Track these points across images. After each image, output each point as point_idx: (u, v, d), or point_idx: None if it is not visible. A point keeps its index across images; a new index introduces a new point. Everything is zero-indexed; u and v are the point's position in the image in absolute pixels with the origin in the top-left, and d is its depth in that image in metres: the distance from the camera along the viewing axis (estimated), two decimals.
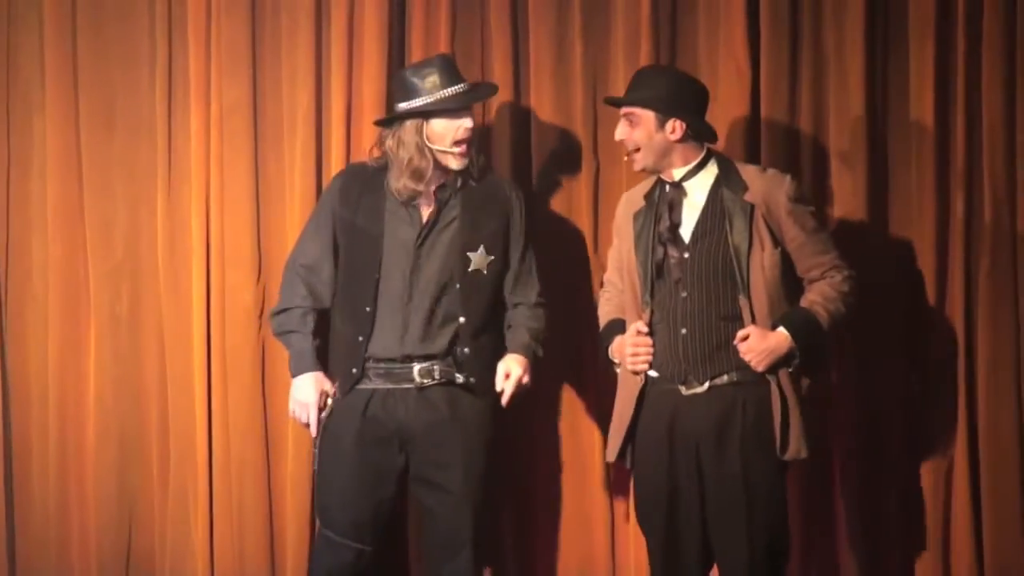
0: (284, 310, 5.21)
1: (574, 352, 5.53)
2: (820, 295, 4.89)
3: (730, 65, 5.39)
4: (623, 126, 4.94)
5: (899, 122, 5.43)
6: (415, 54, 5.54)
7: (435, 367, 5.08)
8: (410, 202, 5.11)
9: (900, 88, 5.42)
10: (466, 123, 5.07)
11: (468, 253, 5.10)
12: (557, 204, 5.55)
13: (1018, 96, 5.35)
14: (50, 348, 5.73)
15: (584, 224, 5.52)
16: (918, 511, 5.47)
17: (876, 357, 5.45)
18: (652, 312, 4.94)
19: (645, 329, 4.92)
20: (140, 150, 5.70)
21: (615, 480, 5.52)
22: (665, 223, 4.93)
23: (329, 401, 5.16)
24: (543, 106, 5.53)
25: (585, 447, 5.55)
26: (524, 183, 5.47)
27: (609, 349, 5.05)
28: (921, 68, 5.39)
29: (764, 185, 4.91)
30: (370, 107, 5.51)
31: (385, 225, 5.12)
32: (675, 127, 4.90)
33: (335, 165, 5.53)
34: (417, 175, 5.06)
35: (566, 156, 5.53)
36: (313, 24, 5.57)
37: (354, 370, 5.11)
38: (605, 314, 5.14)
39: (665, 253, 4.92)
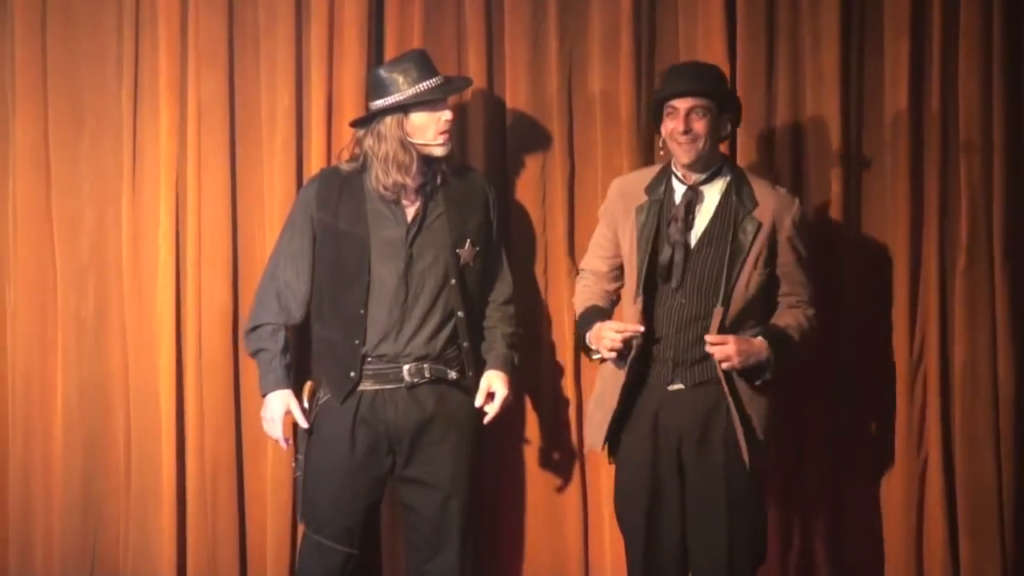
0: (255, 327, 5.19)
1: (547, 350, 5.51)
2: (794, 319, 4.96)
3: (707, 59, 5.37)
4: (690, 117, 4.87)
5: (874, 118, 5.45)
6: (390, 49, 5.52)
7: (425, 366, 5.06)
8: (394, 200, 5.09)
9: (875, 83, 5.45)
10: (445, 115, 5.07)
11: (457, 250, 5.10)
12: (532, 201, 5.53)
13: (994, 92, 5.38)
14: (16, 349, 5.65)
15: (559, 220, 5.51)
16: (892, 512, 5.46)
17: (850, 357, 5.44)
18: (643, 307, 4.92)
19: (640, 329, 4.89)
20: (108, 149, 5.64)
21: (589, 479, 5.50)
22: (679, 226, 4.93)
23: (306, 404, 5.13)
24: (518, 102, 5.52)
25: (560, 446, 5.51)
26: (498, 179, 5.46)
27: (587, 336, 5.02)
28: (896, 63, 5.41)
29: (774, 205, 4.94)
30: (350, 103, 5.48)
31: (370, 226, 5.10)
32: (727, 124, 4.94)
33: (315, 162, 5.50)
34: (404, 169, 5.05)
35: (541, 152, 5.51)
36: (293, 19, 5.54)
37: (352, 374, 5.08)
38: (582, 301, 5.12)
39: (672, 256, 4.92)
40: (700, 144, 4.89)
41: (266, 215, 5.57)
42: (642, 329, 4.88)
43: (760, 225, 4.91)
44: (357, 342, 5.07)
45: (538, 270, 5.50)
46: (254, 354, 5.20)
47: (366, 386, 5.08)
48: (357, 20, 5.50)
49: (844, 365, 5.45)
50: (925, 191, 5.42)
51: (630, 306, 4.96)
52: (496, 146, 5.52)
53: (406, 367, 5.06)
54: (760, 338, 4.88)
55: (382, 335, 5.07)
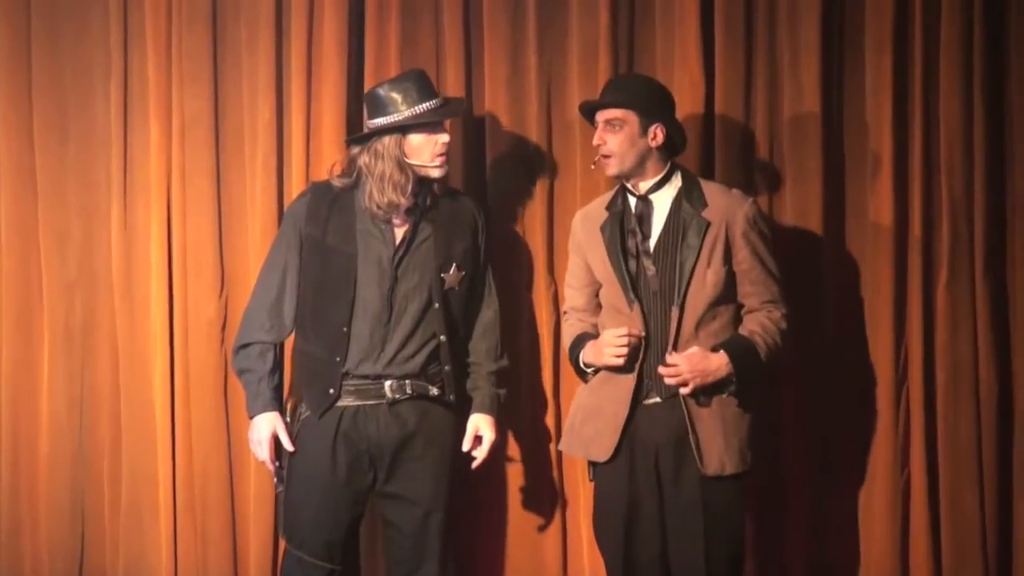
0: (243, 346, 5.18)
1: (526, 365, 5.50)
2: (759, 326, 4.93)
3: (684, 74, 5.38)
4: (604, 131, 4.91)
5: (855, 131, 5.43)
6: (369, 65, 5.52)
7: (407, 382, 5.07)
8: (384, 220, 5.08)
9: (856, 96, 5.42)
10: (443, 137, 5.06)
11: (442, 273, 5.10)
12: (511, 216, 5.52)
13: (975, 104, 5.35)
14: (2, 362, 5.68)
15: (538, 236, 5.50)
16: (876, 526, 5.44)
17: (832, 368, 5.43)
18: (642, 309, 4.91)
19: (637, 333, 4.90)
20: (95, 162, 5.67)
21: (568, 493, 5.51)
22: (637, 237, 4.93)
23: (288, 420, 5.16)
24: (497, 117, 5.50)
25: (538, 458, 5.52)
26: (478, 196, 5.44)
27: (580, 356, 5.02)
28: (878, 76, 5.39)
29: (724, 204, 4.93)
30: (329, 118, 5.49)
31: (358, 244, 5.10)
32: (656, 133, 4.91)
33: (295, 176, 5.51)
34: (400, 189, 5.04)
35: (520, 168, 5.51)
36: (273, 35, 5.54)
37: (331, 391, 5.08)
38: (572, 333, 5.12)
39: (639, 265, 4.92)
40: (616, 159, 4.89)
41: (249, 228, 5.59)
42: (644, 333, 4.89)
43: (708, 224, 4.89)
44: (338, 359, 5.07)
45: (517, 285, 5.49)
46: (240, 373, 5.20)
47: (347, 402, 5.08)
48: (336, 36, 5.50)
49: (827, 379, 5.43)
50: (908, 206, 5.39)
51: (626, 317, 4.93)
52: (475, 161, 5.52)
53: (387, 383, 5.07)
54: (720, 352, 4.87)
55: (363, 354, 5.07)
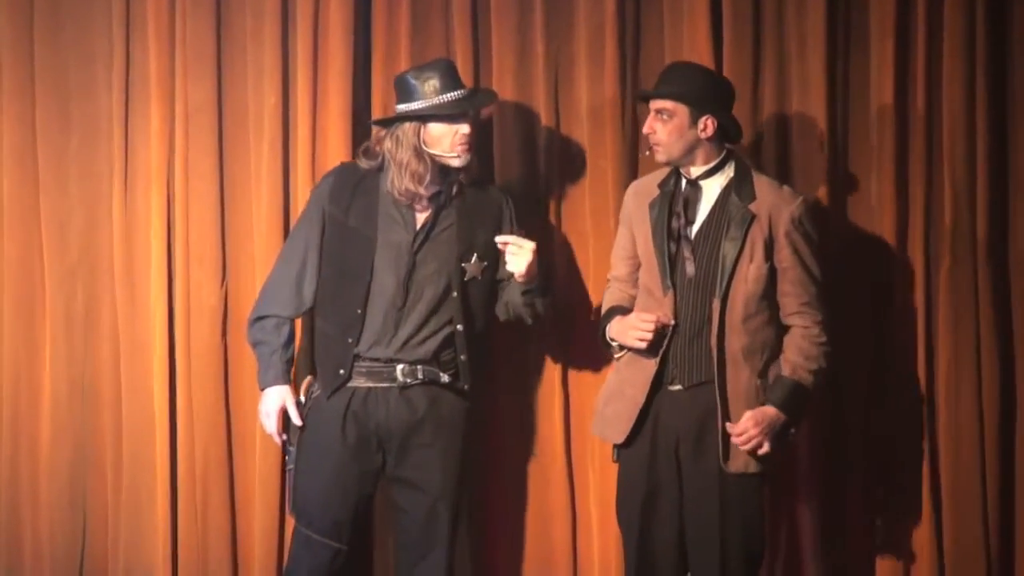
0: (260, 318, 5.19)
1: (534, 350, 5.52)
2: (801, 355, 4.91)
3: (692, 61, 5.39)
4: (654, 120, 4.92)
5: (860, 121, 5.46)
6: (377, 52, 5.52)
7: (419, 367, 5.07)
8: (407, 205, 5.09)
9: (861, 87, 5.45)
10: (463, 129, 5.06)
11: (463, 264, 5.10)
12: (518, 204, 5.45)
13: (977, 95, 5.39)
14: (4, 348, 5.66)
15: (546, 225, 5.50)
16: (879, 513, 5.48)
17: (837, 357, 5.43)
18: (675, 295, 4.92)
19: (666, 320, 4.90)
20: (96, 149, 5.65)
21: (577, 479, 5.51)
22: (680, 220, 4.94)
23: (302, 398, 5.16)
24: (505, 105, 5.51)
25: (548, 444, 5.52)
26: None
27: (607, 328, 5.02)
28: (881, 67, 5.42)
29: (773, 199, 4.93)
30: (335, 106, 5.49)
31: (379, 227, 5.10)
32: (707, 124, 4.92)
33: (301, 165, 5.51)
34: (417, 178, 5.05)
35: (528, 153, 5.52)
36: (279, 23, 5.53)
37: (342, 371, 5.09)
38: (608, 302, 5.12)
39: (678, 249, 4.93)
40: (663, 148, 4.91)
41: (254, 216, 5.58)
42: (673, 321, 4.89)
43: (754, 217, 4.89)
44: (351, 340, 5.08)
45: None
46: (254, 345, 5.21)
47: (359, 383, 5.09)
48: (342, 25, 5.50)
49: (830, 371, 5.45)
50: (911, 192, 5.43)
51: (657, 302, 4.95)
52: (483, 151, 5.49)
53: (399, 367, 5.07)
54: (769, 407, 4.87)
55: (376, 337, 5.08)
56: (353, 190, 5.15)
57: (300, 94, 5.53)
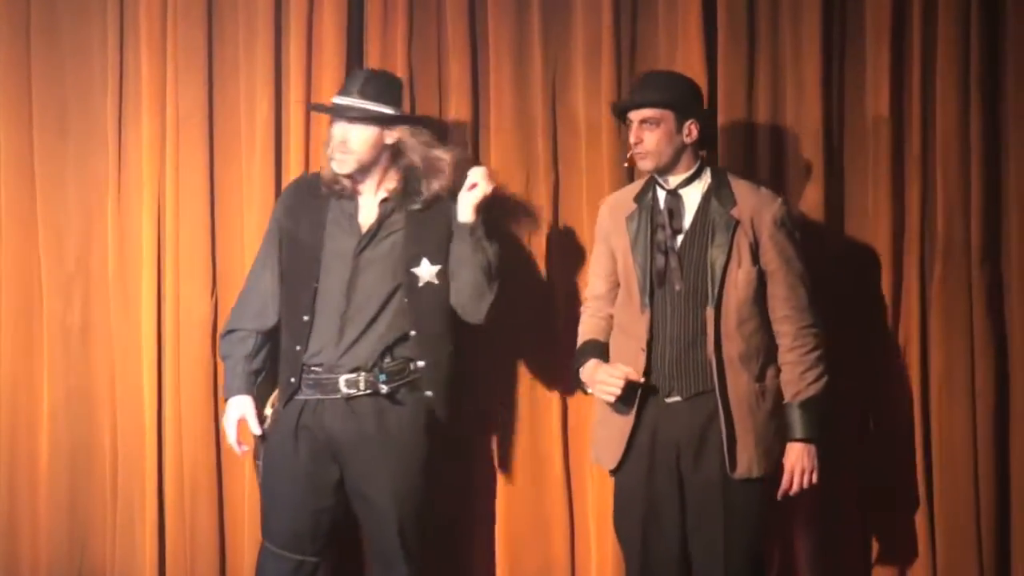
0: (228, 332, 5.24)
1: (532, 361, 5.53)
2: (796, 373, 4.94)
3: (686, 70, 5.36)
4: (640, 130, 4.92)
5: (855, 128, 5.45)
6: (372, 62, 5.52)
7: (360, 377, 5.06)
8: (351, 213, 5.12)
9: (856, 94, 5.44)
10: (334, 131, 5.11)
11: (412, 268, 5.08)
12: (515, 212, 5.53)
13: (972, 102, 5.38)
14: (2, 357, 5.68)
15: (543, 231, 5.52)
16: (872, 520, 5.48)
17: (831, 364, 5.44)
18: (652, 316, 4.93)
19: (635, 377, 4.90)
20: (93, 157, 5.67)
21: (575, 488, 5.52)
22: (667, 231, 4.94)
23: (268, 412, 5.18)
24: (503, 114, 5.52)
25: (544, 454, 5.53)
26: None
27: (580, 370, 5.04)
28: (877, 72, 5.41)
29: (753, 202, 4.94)
30: (328, 116, 5.47)
31: (326, 234, 5.13)
32: (691, 129, 4.94)
33: (293, 172, 5.51)
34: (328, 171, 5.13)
35: (525, 164, 5.52)
36: (272, 31, 5.54)
37: (292, 379, 5.11)
38: (583, 333, 5.13)
39: (666, 262, 4.93)
40: (652, 155, 4.91)
41: (245, 225, 5.60)
42: (643, 379, 4.90)
43: (737, 223, 4.90)
44: (299, 348, 5.10)
45: (522, 281, 5.49)
46: (223, 359, 5.24)
47: (308, 395, 5.10)
48: (335, 33, 5.51)
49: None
50: (906, 198, 5.43)
51: (635, 318, 4.96)
52: (480, 156, 5.52)
53: (343, 379, 5.07)
54: (790, 444, 4.93)
55: (322, 344, 5.09)
56: (305, 200, 5.18)
57: (292, 103, 5.53)
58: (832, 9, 5.43)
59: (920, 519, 5.45)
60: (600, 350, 5.02)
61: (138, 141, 5.61)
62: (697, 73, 5.38)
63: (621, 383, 4.87)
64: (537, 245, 5.53)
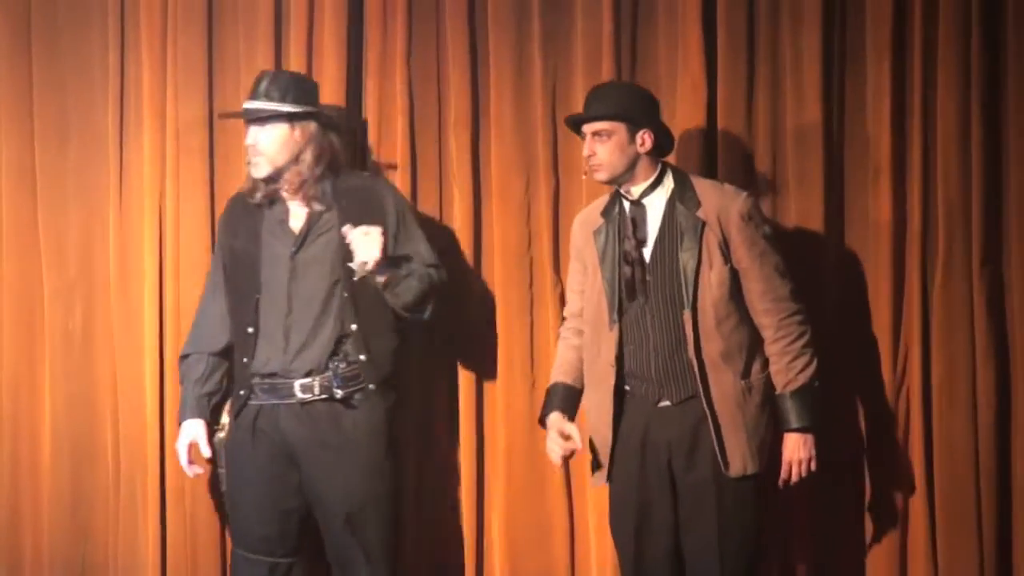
0: (182, 356, 5.28)
1: (533, 364, 5.54)
2: (783, 363, 4.95)
3: (686, 80, 5.40)
4: (592, 142, 4.94)
5: (855, 136, 5.44)
6: (372, 69, 5.53)
7: (315, 382, 5.07)
8: (281, 219, 5.13)
9: (857, 102, 5.43)
10: (247, 137, 5.12)
11: (348, 263, 5.03)
12: (517, 218, 5.54)
13: (972, 110, 5.37)
14: (3, 361, 5.70)
15: (544, 236, 5.52)
16: (874, 525, 5.48)
17: (831, 370, 5.45)
18: (620, 331, 4.95)
19: (569, 434, 5.00)
20: (94, 165, 5.68)
21: (575, 490, 5.54)
22: (631, 242, 4.95)
23: (224, 420, 5.22)
24: (503, 120, 5.52)
25: (543, 458, 5.51)
26: (483, 198, 5.49)
27: (545, 417, 5.10)
28: (878, 82, 5.40)
29: (717, 201, 4.94)
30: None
31: (262, 244, 5.14)
32: (644, 139, 4.94)
33: None
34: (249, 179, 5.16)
35: (525, 169, 5.53)
36: (272, 41, 5.55)
37: (241, 392, 5.14)
38: (555, 368, 5.16)
39: (632, 273, 4.94)
40: (606, 167, 4.92)
41: None
42: (577, 447, 4.99)
43: (704, 224, 4.91)
44: (245, 360, 5.13)
45: (524, 287, 5.52)
46: (180, 383, 5.29)
47: (262, 400, 5.11)
48: (335, 42, 5.52)
49: (827, 378, 5.40)
50: (907, 207, 5.42)
51: (605, 334, 4.99)
52: (480, 162, 5.54)
53: (297, 383, 5.08)
54: (786, 435, 4.96)
55: (270, 353, 5.10)
56: (240, 215, 5.20)
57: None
58: (832, 15, 5.42)
59: (921, 521, 5.44)
60: (566, 397, 5.07)
61: (139, 150, 5.62)
62: (697, 81, 5.40)
63: (561, 453, 5.01)
64: (538, 250, 5.53)
